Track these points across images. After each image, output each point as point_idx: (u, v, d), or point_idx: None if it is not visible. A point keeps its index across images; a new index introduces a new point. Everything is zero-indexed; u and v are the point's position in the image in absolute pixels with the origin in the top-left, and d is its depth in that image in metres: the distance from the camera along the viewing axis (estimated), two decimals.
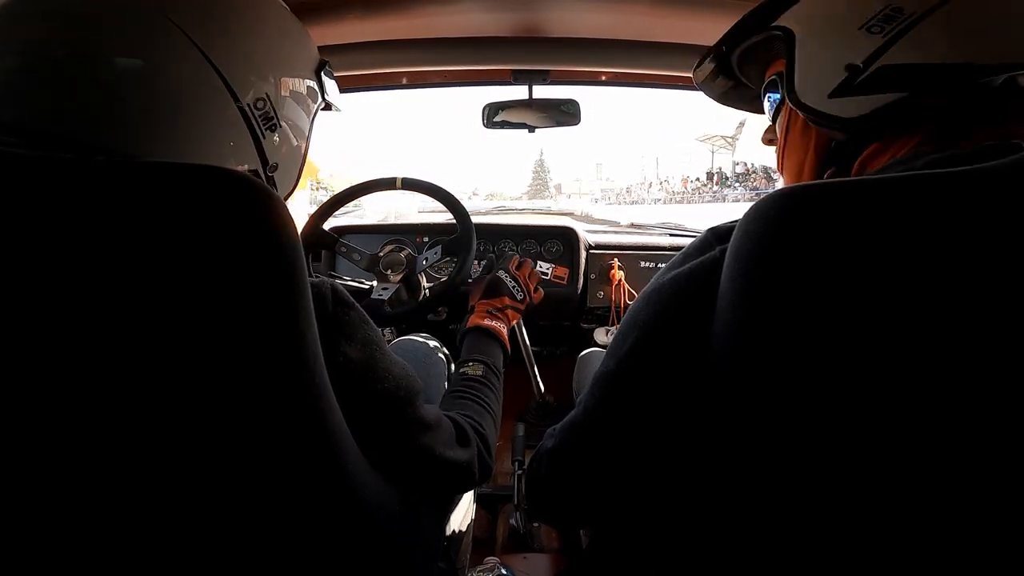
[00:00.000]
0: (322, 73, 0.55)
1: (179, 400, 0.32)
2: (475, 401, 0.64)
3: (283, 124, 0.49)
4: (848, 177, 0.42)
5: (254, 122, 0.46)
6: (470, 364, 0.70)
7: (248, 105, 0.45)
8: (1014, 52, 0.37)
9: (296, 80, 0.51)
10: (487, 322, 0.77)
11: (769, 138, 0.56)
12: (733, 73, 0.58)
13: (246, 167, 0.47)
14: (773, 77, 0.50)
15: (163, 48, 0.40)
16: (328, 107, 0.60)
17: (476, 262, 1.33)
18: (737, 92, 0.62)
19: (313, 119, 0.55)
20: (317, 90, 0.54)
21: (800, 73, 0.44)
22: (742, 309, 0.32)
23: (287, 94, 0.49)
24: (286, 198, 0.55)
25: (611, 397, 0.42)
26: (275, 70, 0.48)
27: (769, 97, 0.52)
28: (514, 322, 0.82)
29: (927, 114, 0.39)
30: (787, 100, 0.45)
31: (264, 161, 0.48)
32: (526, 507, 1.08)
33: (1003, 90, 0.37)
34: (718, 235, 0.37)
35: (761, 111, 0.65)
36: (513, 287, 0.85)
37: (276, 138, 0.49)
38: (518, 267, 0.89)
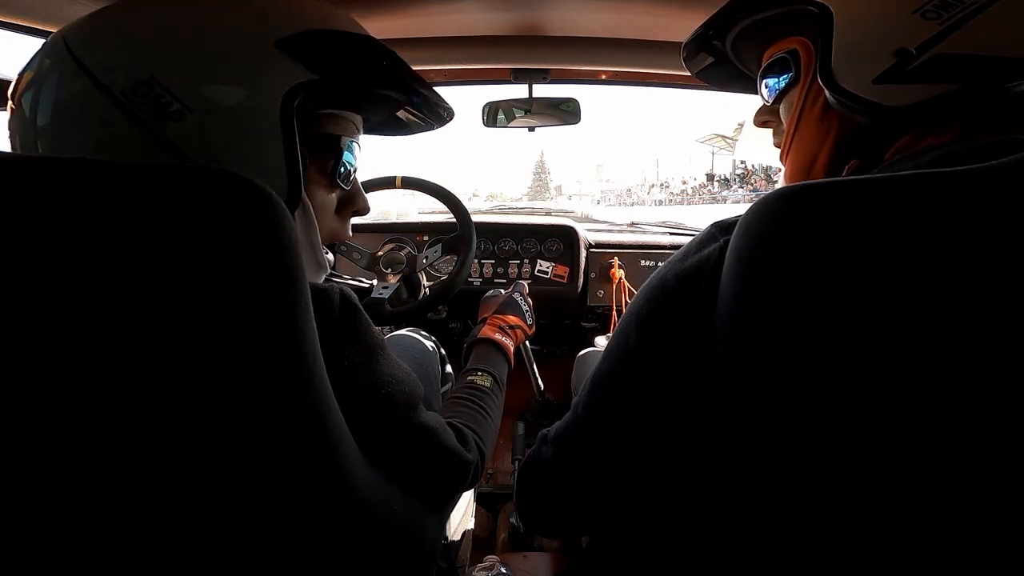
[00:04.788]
0: (291, 45, 0.41)
1: (177, 400, 0.32)
2: (478, 411, 0.65)
3: (195, 108, 0.39)
4: (876, 167, 0.41)
5: (139, 113, 0.38)
6: (479, 373, 0.71)
7: (125, 95, 0.37)
8: None
9: (209, 56, 0.40)
10: (498, 336, 0.78)
11: (764, 120, 0.52)
12: (718, 50, 0.55)
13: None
14: (782, 56, 0.46)
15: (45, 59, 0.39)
16: (344, 92, 0.47)
17: (476, 261, 1.33)
18: (716, 70, 0.59)
19: (284, 106, 0.41)
20: (287, 64, 0.41)
21: (839, 54, 0.40)
22: (742, 309, 0.32)
23: (193, 71, 0.39)
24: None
25: (611, 399, 0.42)
26: (163, 42, 0.39)
27: (770, 78, 0.49)
28: (520, 343, 0.84)
29: (967, 108, 0.37)
30: (813, 82, 0.42)
31: (184, 159, 0.39)
32: None
33: None
34: (722, 228, 0.36)
35: (739, 90, 0.62)
36: (526, 311, 0.86)
37: (188, 129, 0.39)
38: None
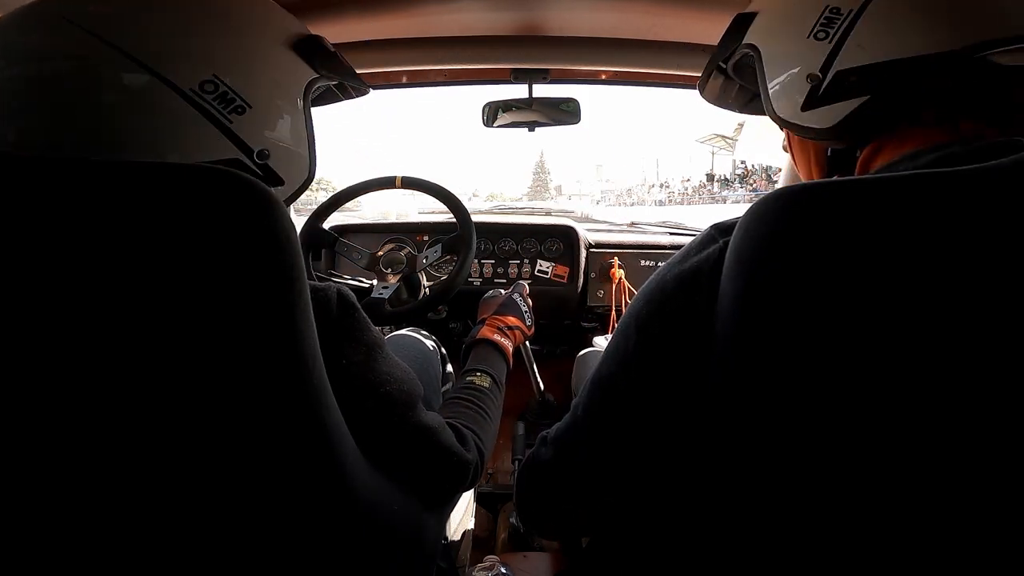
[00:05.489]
0: (300, 47, 0.50)
1: (176, 399, 0.32)
2: (477, 411, 0.65)
3: (253, 103, 0.45)
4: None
5: (209, 107, 0.42)
6: (478, 374, 0.71)
7: (193, 91, 0.41)
8: (953, 38, 0.36)
9: (253, 54, 0.46)
10: (496, 337, 0.78)
11: (784, 145, 0.55)
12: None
13: (227, 158, 0.45)
14: None
15: (74, 51, 0.38)
16: (343, 89, 0.57)
17: (476, 261, 1.33)
18: (752, 100, 0.61)
19: (306, 96, 0.51)
20: (301, 63, 0.50)
21: (772, 88, 0.43)
22: (743, 309, 0.32)
23: (245, 70, 0.45)
24: (304, 185, 0.52)
25: (610, 400, 0.42)
26: (217, 48, 0.44)
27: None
28: (519, 344, 0.84)
29: (921, 109, 0.38)
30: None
31: (246, 148, 0.45)
32: None
33: (980, 74, 0.36)
34: (721, 229, 0.36)
35: None
36: (525, 312, 0.86)
37: (249, 119, 0.45)
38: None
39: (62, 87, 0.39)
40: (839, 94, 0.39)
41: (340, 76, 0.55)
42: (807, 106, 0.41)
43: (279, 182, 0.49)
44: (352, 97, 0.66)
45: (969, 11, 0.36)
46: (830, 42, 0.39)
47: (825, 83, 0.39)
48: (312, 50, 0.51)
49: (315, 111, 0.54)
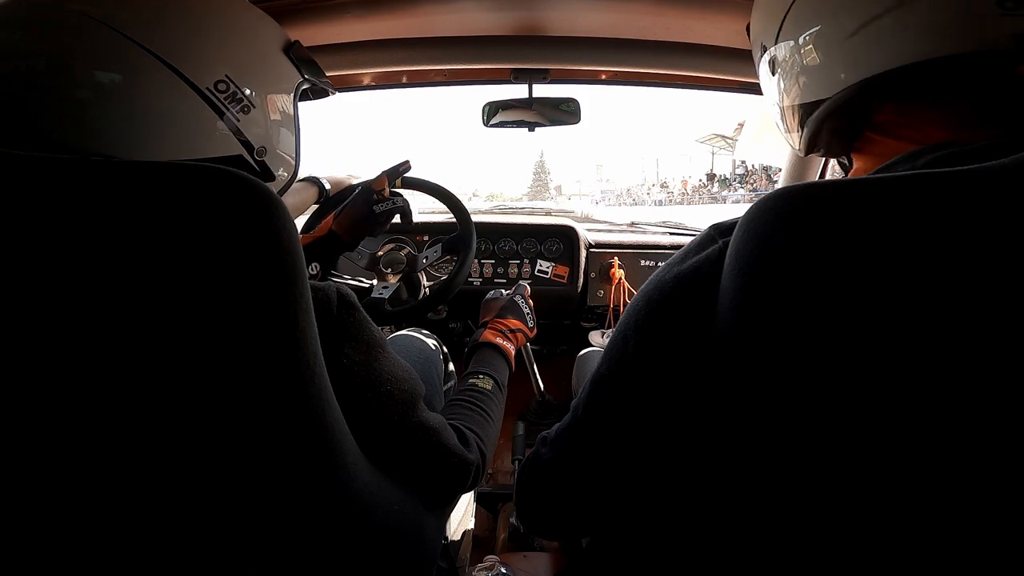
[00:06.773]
0: (291, 53, 0.55)
1: (177, 398, 0.32)
2: (479, 413, 0.65)
3: (256, 103, 0.49)
4: None
5: (221, 105, 0.46)
6: (480, 376, 0.71)
7: (208, 89, 0.44)
8: (821, 89, 0.41)
9: (257, 57, 0.50)
10: (499, 340, 0.79)
11: None
12: None
13: (230, 154, 0.48)
14: None
15: (98, 49, 0.40)
16: (319, 91, 0.62)
17: (476, 261, 1.33)
18: None
19: (296, 98, 0.56)
20: (292, 67, 0.55)
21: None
22: (743, 308, 0.32)
23: (250, 72, 0.49)
24: (290, 181, 0.56)
25: (610, 401, 0.42)
26: (229, 51, 0.47)
27: None
28: (521, 346, 0.84)
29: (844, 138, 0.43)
30: None
31: (248, 145, 0.49)
32: None
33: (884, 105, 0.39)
34: (720, 230, 0.36)
35: None
36: (527, 314, 0.87)
37: (252, 118, 0.48)
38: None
39: (79, 84, 0.39)
40: (795, 125, 0.45)
41: (317, 80, 0.59)
42: (790, 131, 0.48)
43: (271, 178, 0.53)
44: (318, 98, 0.71)
45: (842, 62, 0.39)
46: (777, 84, 0.46)
47: (795, 117, 0.46)
48: (299, 56, 0.56)
49: (316, 109, 0.58)
